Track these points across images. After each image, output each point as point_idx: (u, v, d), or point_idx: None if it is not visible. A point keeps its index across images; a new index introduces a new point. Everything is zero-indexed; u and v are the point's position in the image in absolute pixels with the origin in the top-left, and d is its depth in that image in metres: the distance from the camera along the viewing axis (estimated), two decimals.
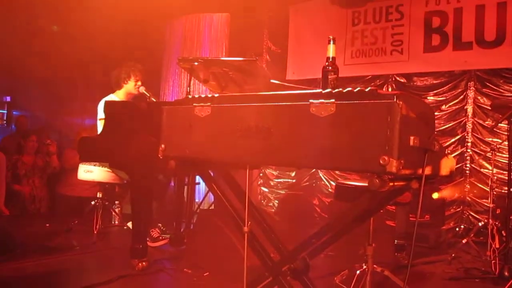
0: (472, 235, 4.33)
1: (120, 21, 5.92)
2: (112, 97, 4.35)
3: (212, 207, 5.57)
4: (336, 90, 1.67)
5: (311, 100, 1.68)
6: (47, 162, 5.83)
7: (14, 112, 7.64)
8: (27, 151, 5.75)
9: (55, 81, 6.89)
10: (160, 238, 4.32)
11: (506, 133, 4.50)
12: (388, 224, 5.24)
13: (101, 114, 4.07)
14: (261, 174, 7.02)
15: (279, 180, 6.97)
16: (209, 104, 2.00)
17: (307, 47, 6.49)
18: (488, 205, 4.31)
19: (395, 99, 1.51)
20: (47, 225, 5.03)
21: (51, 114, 7.37)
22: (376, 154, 1.50)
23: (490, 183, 4.27)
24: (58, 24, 6.84)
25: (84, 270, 3.61)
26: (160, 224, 4.49)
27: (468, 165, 5.54)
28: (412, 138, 1.55)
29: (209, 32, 6.74)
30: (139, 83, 4.36)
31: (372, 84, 6.12)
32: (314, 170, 6.37)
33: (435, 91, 5.79)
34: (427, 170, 1.69)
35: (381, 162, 1.48)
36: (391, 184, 1.58)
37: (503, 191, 4.63)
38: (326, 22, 6.39)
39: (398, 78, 6.05)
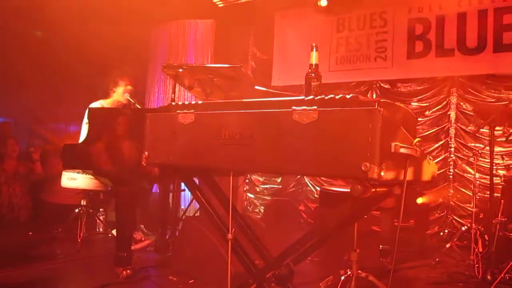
0: (455, 239, 4.37)
1: (106, 27, 5.89)
2: (100, 102, 4.30)
3: (198, 214, 5.54)
4: (319, 97, 1.69)
5: (293, 107, 1.69)
6: (30, 169, 5.75)
7: None
8: (8, 155, 5.66)
9: (39, 88, 6.82)
10: (143, 239, 4.28)
11: (488, 138, 4.57)
12: (374, 229, 5.26)
13: (87, 118, 4.03)
14: (247, 180, 7.02)
15: (265, 186, 6.98)
16: (192, 111, 2.01)
17: (292, 53, 6.52)
18: (471, 209, 4.36)
19: (376, 106, 1.52)
20: (30, 233, 4.96)
21: (35, 120, 7.29)
22: (357, 160, 1.51)
23: (473, 188, 4.33)
24: (42, 29, 6.79)
25: (67, 278, 3.57)
26: (142, 226, 4.45)
27: (451, 170, 5.61)
28: (393, 144, 1.57)
29: (195, 38, 6.75)
30: (129, 87, 4.31)
31: (357, 90, 6.17)
32: (299, 176, 6.38)
33: (418, 97, 5.86)
34: (409, 176, 1.71)
35: (362, 168, 1.50)
36: (373, 190, 1.59)
37: (485, 195, 4.69)
38: (311, 28, 6.44)
39: (382, 84, 6.12)
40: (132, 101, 4.27)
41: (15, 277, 3.38)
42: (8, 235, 4.91)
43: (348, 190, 1.63)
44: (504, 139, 4.71)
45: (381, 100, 1.56)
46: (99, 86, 4.35)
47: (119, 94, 4.29)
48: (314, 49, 2.03)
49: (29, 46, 6.49)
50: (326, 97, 1.66)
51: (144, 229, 4.43)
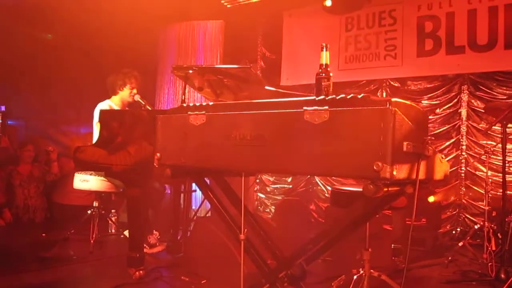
0: (468, 238, 4.34)
1: (114, 28, 5.93)
2: (108, 102, 4.34)
3: (209, 214, 5.56)
4: (330, 97, 1.69)
5: (305, 107, 1.69)
6: (46, 170, 5.81)
7: (8, 122, 7.61)
8: (24, 160, 5.73)
9: (49, 90, 6.88)
10: (157, 244, 4.31)
11: (500, 136, 4.53)
12: (385, 228, 5.24)
13: (97, 118, 4.06)
14: (257, 180, 7.03)
15: (275, 186, 6.98)
16: (203, 112, 2.02)
17: (301, 53, 6.51)
18: (483, 207, 4.33)
19: (388, 105, 1.52)
20: (43, 234, 5.00)
21: (46, 122, 7.35)
22: (370, 160, 1.51)
23: (485, 186, 4.29)
24: (52, 32, 6.85)
25: (81, 279, 3.59)
26: (156, 232, 4.48)
27: (463, 168, 5.57)
28: (405, 143, 1.57)
29: (204, 39, 6.76)
30: (135, 91, 4.35)
31: (367, 88, 6.15)
32: (309, 175, 6.37)
33: (429, 95, 5.83)
34: (421, 175, 1.71)
35: (375, 168, 1.50)
36: (386, 189, 1.59)
37: (498, 193, 4.65)
38: (320, 27, 6.43)
39: (392, 83, 6.09)
40: (143, 103, 4.30)
41: (29, 278, 3.41)
42: (22, 236, 4.96)
43: (360, 189, 1.63)
44: None
45: (393, 99, 1.56)
46: (106, 84, 4.38)
47: (126, 94, 4.32)
48: (325, 49, 2.03)
49: (39, 49, 6.55)
50: (337, 97, 1.66)
51: (158, 236, 4.46)
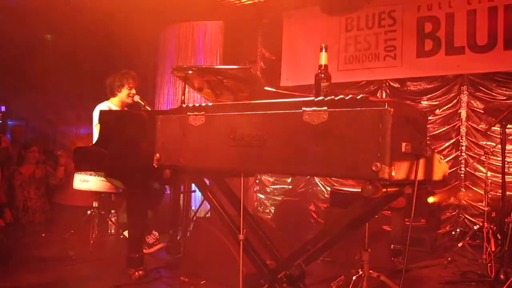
0: (467, 238, 4.34)
1: (114, 29, 5.94)
2: (107, 103, 4.34)
3: (209, 214, 5.56)
4: (328, 97, 1.69)
5: (303, 108, 1.70)
6: (50, 173, 5.80)
7: (9, 122, 7.61)
8: (28, 161, 5.71)
9: (49, 90, 6.89)
10: (156, 243, 4.31)
11: (499, 136, 4.53)
12: (385, 229, 5.24)
13: (96, 120, 4.06)
14: (257, 181, 7.03)
15: (275, 186, 6.98)
16: (203, 113, 2.02)
17: (301, 53, 6.52)
18: (483, 208, 4.33)
19: (386, 106, 1.52)
20: (43, 235, 5.01)
21: (46, 123, 7.36)
22: (368, 160, 1.51)
23: (484, 187, 4.29)
24: (52, 33, 6.86)
25: (80, 280, 3.59)
26: (156, 232, 4.48)
27: (463, 168, 5.57)
28: (404, 144, 1.57)
29: (203, 40, 6.77)
30: (133, 91, 4.34)
31: (366, 89, 6.16)
32: (309, 176, 6.37)
33: (428, 96, 5.83)
34: (420, 176, 1.71)
35: (373, 168, 1.50)
36: (384, 190, 1.59)
37: (497, 194, 4.65)
38: (320, 28, 6.43)
39: (391, 83, 6.09)
40: (142, 103, 4.30)
41: (28, 278, 3.41)
42: (23, 236, 4.97)
43: (359, 190, 1.63)
44: None
45: (391, 100, 1.56)
46: (107, 85, 4.38)
47: (124, 95, 4.31)
48: (324, 50, 2.03)
49: (40, 49, 6.56)
50: (336, 98, 1.66)
51: (157, 236, 4.46)
